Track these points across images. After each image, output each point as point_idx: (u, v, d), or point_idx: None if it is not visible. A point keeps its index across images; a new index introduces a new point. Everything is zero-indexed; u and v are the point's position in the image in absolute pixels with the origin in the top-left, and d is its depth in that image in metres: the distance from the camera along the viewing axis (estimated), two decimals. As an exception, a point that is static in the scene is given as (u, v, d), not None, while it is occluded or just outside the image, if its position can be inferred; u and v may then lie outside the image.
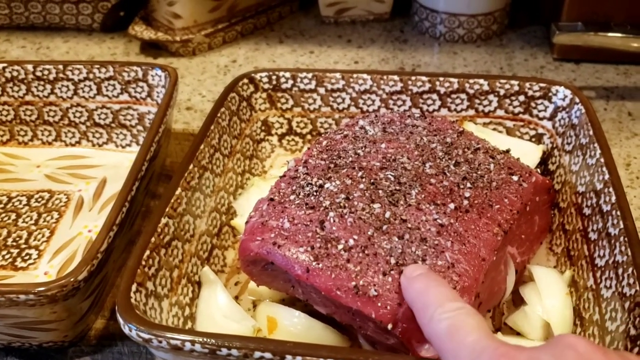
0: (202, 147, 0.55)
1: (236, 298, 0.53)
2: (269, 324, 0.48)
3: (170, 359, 0.44)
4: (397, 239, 0.46)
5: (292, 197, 0.49)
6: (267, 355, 0.39)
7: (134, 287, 0.44)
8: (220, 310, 0.49)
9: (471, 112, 0.65)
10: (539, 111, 0.63)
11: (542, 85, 0.62)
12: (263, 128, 0.67)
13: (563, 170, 0.59)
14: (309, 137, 0.68)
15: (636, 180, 0.71)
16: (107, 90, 0.68)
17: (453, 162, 0.52)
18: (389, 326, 0.43)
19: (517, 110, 0.64)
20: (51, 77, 0.68)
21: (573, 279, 0.52)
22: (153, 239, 0.47)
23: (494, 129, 0.65)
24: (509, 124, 0.65)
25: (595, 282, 0.48)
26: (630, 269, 0.44)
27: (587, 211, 0.53)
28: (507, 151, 0.56)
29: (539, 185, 0.54)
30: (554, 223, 0.58)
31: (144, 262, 0.45)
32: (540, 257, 0.56)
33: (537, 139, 0.64)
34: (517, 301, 0.52)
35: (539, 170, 0.62)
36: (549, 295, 0.49)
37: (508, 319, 0.50)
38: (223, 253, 0.56)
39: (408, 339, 0.43)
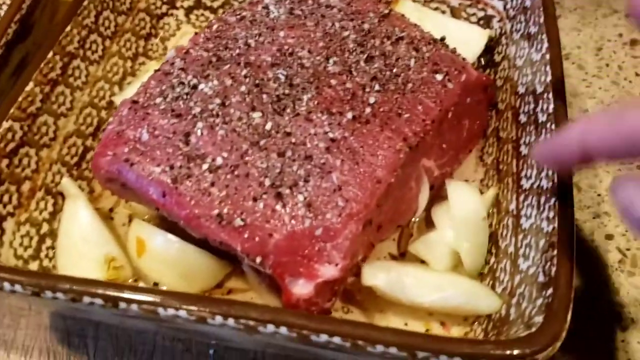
0: (68, 29, 0.46)
1: (111, 210, 0.46)
2: (138, 246, 0.42)
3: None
4: (276, 157, 0.38)
5: (158, 100, 0.40)
6: (98, 301, 0.33)
7: (-44, 211, 0.37)
8: (80, 230, 0.42)
9: (410, -14, 0.54)
10: (490, -12, 0.53)
11: (494, -45, 0.51)
12: (165, 0, 0.56)
13: (507, 64, 0.50)
14: (221, 13, 0.58)
15: (605, 68, 0.62)
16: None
17: (365, 56, 0.43)
18: (258, 259, 0.36)
19: (464, -15, 0.53)
20: None
21: (497, 199, 0.44)
22: (-11, 149, 0.39)
23: (437, 9, 0.55)
24: (454, 2, 0.54)
25: (517, 207, 0.41)
26: (552, 199, 0.37)
27: (522, 118, 0.44)
28: (442, 40, 0.47)
29: (472, 83, 0.45)
30: (490, 127, 0.49)
31: (-27, 179, 0.38)
32: (469, 167, 0.49)
33: (486, 22, 0.54)
34: (431, 222, 0.45)
35: (482, 60, 0.53)
36: (462, 220, 0.42)
37: (411, 246, 0.43)
38: (102, 155, 0.49)
39: (280, 273, 0.37)
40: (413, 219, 0.45)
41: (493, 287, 0.40)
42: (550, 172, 0.38)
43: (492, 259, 0.42)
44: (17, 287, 0.33)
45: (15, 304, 0.45)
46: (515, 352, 0.30)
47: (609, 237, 0.50)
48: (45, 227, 0.43)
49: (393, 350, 0.31)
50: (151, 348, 0.43)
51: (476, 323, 0.40)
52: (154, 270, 0.42)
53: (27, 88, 0.42)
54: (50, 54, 0.44)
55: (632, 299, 0.46)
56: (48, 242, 0.43)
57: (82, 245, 0.41)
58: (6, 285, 0.33)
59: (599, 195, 0.52)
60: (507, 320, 0.36)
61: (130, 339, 0.43)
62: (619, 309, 0.45)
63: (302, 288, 0.36)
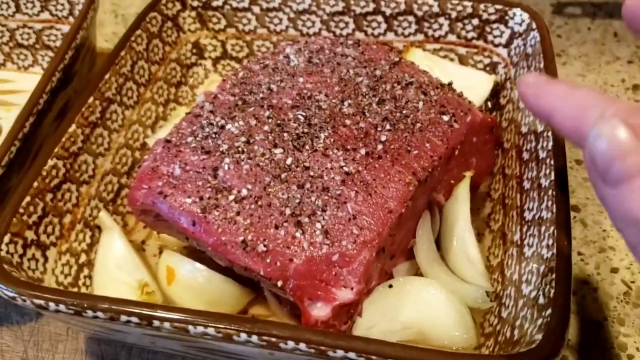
0: (107, 76, 0.50)
1: (143, 242, 0.50)
2: (168, 274, 0.45)
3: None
4: (296, 188, 0.41)
5: (189, 139, 0.44)
6: (134, 319, 0.36)
7: (6, 239, 0.40)
8: (115, 259, 0.46)
9: (420, 36, 0.58)
10: (494, 37, 0.57)
11: (497, 7, 0.55)
12: (194, 51, 0.61)
13: (512, 106, 0.53)
14: (246, 62, 0.62)
15: (608, 111, 0.65)
16: (27, 8, 0.63)
17: (377, 99, 0.47)
18: (279, 283, 0.39)
19: (470, 35, 0.57)
20: (-35, -6, 0.63)
21: (503, 231, 0.47)
22: (36, 184, 0.43)
23: (445, 56, 0.59)
24: (462, 50, 0.58)
25: (520, 238, 0.44)
26: (551, 228, 0.39)
27: (525, 155, 0.47)
28: (449, 85, 0.51)
29: (478, 124, 0.49)
30: (496, 165, 0.53)
31: (22, 210, 0.42)
32: (477, 202, 0.52)
33: (492, 68, 0.58)
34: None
35: (489, 103, 0.57)
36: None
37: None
38: (135, 192, 0.53)
39: (299, 296, 0.40)
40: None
41: (499, 313, 0.42)
42: (549, 204, 0.41)
43: (499, 287, 0.44)
44: (61, 307, 0.37)
45: (54, 330, 0.48)
46: (516, 364, 0.32)
47: (614, 270, 0.52)
48: (83, 257, 0.46)
49: (403, 364, 0.33)
50: (179, 372, 0.46)
51: (484, 347, 0.42)
52: (182, 297, 0.45)
53: (70, 129, 0.46)
54: (90, 99, 0.48)
55: (637, 328, 0.48)
56: (85, 271, 0.46)
57: (117, 272, 0.45)
58: (51, 305, 0.37)
59: (604, 230, 0.55)
60: (511, 341, 0.38)
61: (160, 363, 0.46)
62: (625, 339, 0.47)
63: (320, 310, 0.39)
